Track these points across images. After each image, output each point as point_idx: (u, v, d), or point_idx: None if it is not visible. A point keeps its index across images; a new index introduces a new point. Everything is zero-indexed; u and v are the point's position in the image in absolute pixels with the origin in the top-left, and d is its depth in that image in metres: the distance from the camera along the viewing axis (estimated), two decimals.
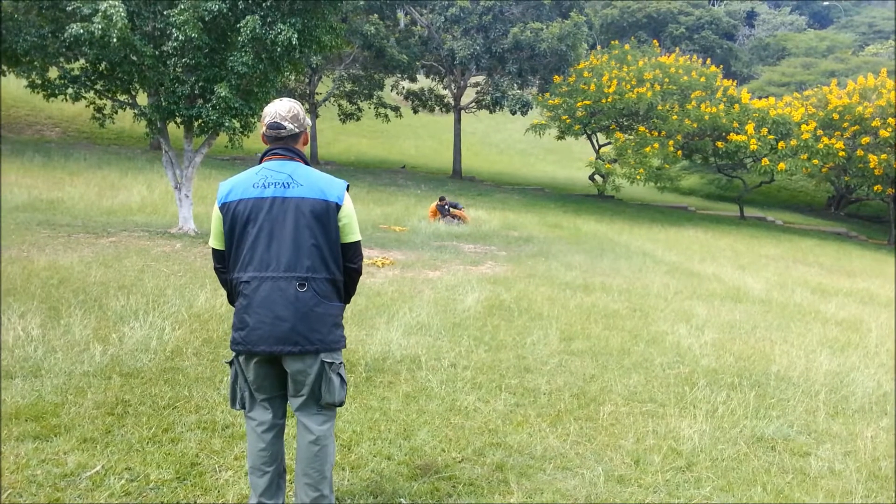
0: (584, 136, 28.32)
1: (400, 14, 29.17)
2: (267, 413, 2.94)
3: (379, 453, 3.78)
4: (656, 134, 24.90)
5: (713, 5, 51.08)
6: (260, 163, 2.95)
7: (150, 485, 3.24)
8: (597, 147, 29.19)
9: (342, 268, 2.94)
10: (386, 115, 30.31)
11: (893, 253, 23.12)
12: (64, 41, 10.56)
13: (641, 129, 25.37)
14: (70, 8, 10.44)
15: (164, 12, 10.78)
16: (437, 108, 32.34)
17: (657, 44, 32.41)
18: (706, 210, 29.06)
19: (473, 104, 31.19)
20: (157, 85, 11.41)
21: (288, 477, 3.26)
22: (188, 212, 11.80)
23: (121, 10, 9.73)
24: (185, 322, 5.78)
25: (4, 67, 11.67)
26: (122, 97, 12.09)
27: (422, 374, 5.13)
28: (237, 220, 2.84)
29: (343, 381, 2.93)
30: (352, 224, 2.92)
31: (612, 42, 31.09)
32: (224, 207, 2.87)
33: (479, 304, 7.66)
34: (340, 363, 2.94)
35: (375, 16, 25.29)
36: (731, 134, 24.06)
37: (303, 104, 28.71)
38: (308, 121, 3.02)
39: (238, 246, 2.86)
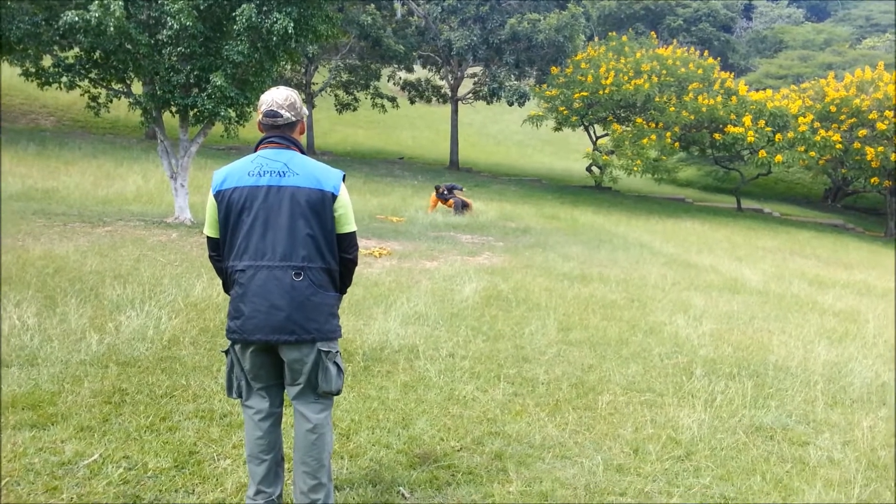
0: (582, 127, 28.26)
1: (397, 4, 29.03)
2: (264, 402, 2.92)
3: (377, 442, 3.77)
4: (653, 125, 24.86)
5: None
6: (255, 151, 2.92)
7: (147, 473, 3.22)
8: (594, 138, 29.14)
9: (338, 258, 2.92)
10: (382, 106, 30.21)
11: (891, 245, 23.17)
12: (58, 29, 10.47)
13: (639, 120, 25.32)
14: None
15: (159, 0, 10.69)
16: (434, 98, 32.25)
17: (655, 35, 32.28)
18: (703, 202, 29.07)
19: (470, 95, 31.09)
20: (152, 74, 11.33)
21: (287, 465, 3.25)
22: (184, 201, 11.75)
23: None
24: (181, 311, 5.75)
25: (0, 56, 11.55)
26: (117, 86, 12.01)
27: (420, 363, 5.11)
28: (232, 208, 2.82)
29: (340, 370, 2.92)
30: (347, 214, 2.90)
31: (610, 34, 30.99)
32: (219, 195, 2.84)
33: (476, 295, 7.64)
34: (337, 352, 2.92)
35: (372, 6, 25.17)
36: (729, 126, 24.02)
37: (299, 94, 28.64)
38: (305, 110, 2.99)
39: (233, 234, 2.84)
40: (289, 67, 24.62)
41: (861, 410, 5.01)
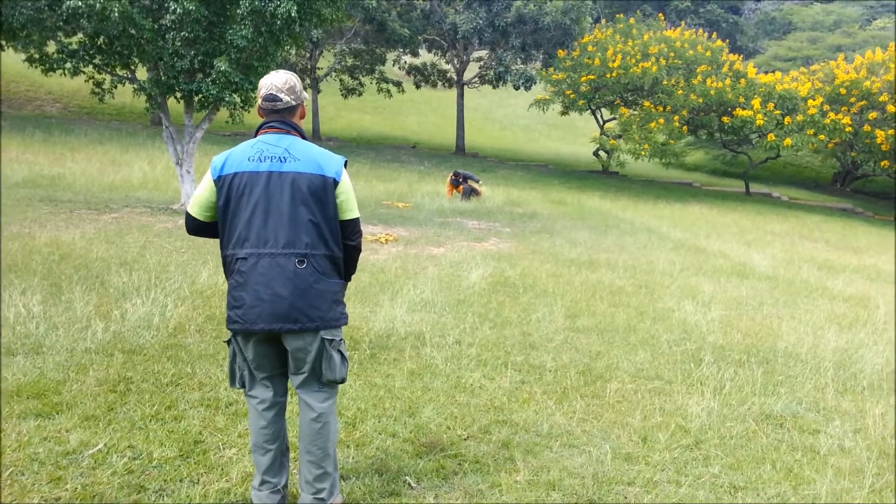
0: (589, 111, 28.06)
1: None
2: (268, 391, 2.89)
3: (384, 431, 3.74)
4: (661, 109, 24.65)
5: None
6: (256, 136, 2.86)
7: (152, 463, 3.20)
8: (601, 122, 28.95)
9: (341, 245, 2.87)
10: (388, 91, 30.06)
11: None
12: (61, 14, 10.40)
13: (646, 104, 25.11)
14: None
15: None
16: (439, 83, 32.08)
17: (662, 17, 31.93)
18: (711, 186, 28.89)
19: (476, 79, 30.90)
20: (156, 59, 11.27)
21: (292, 455, 3.22)
22: (190, 188, 11.72)
23: None
24: (187, 298, 5.73)
25: (3, 42, 11.48)
26: (121, 72, 11.95)
27: (426, 351, 5.08)
28: (232, 194, 2.76)
29: (344, 358, 2.88)
30: (349, 200, 2.84)
31: (617, 16, 30.68)
32: (220, 181, 2.79)
33: (483, 281, 7.60)
34: (341, 340, 2.88)
35: None
36: (737, 109, 23.79)
37: (304, 79, 28.62)
38: (305, 94, 2.93)
39: (233, 221, 2.78)
40: (293, 52, 24.45)
41: (872, 398, 4.95)
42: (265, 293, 2.71)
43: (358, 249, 2.94)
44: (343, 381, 2.88)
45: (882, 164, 24.42)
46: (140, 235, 8.66)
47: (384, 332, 5.42)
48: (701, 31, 29.22)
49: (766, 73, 26.85)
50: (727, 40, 29.34)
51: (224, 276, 2.92)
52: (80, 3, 9.86)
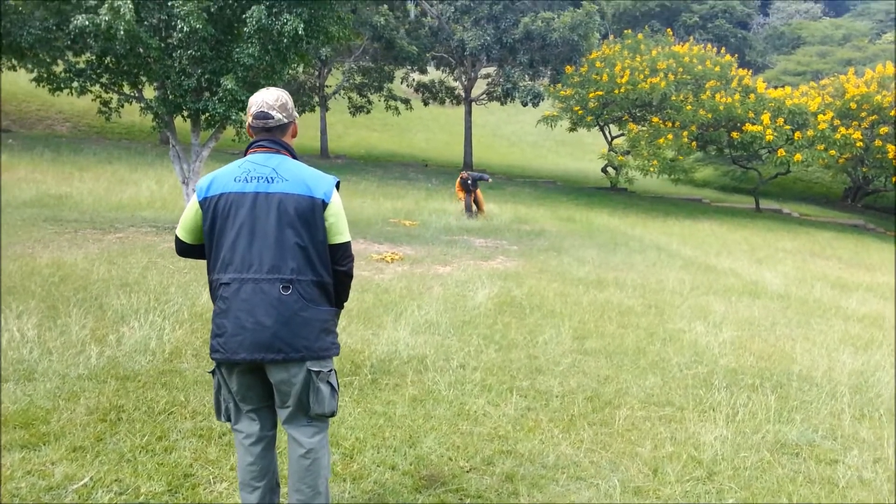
0: (597, 127, 27.95)
1: (409, 5, 28.90)
2: (254, 425, 2.75)
3: (383, 462, 3.60)
4: (670, 125, 24.51)
5: None
6: (245, 155, 2.75)
7: (139, 498, 3.07)
8: (609, 139, 28.84)
9: (331, 270, 2.74)
10: (396, 108, 30.10)
11: None
12: (69, 33, 10.42)
13: (655, 119, 24.98)
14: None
15: (169, 3, 10.61)
16: (447, 100, 32.10)
17: (671, 33, 31.88)
18: (721, 202, 28.67)
19: (484, 96, 30.90)
20: (163, 78, 11.27)
21: (284, 490, 3.09)
22: None
23: (128, 1, 9.56)
24: (185, 322, 5.62)
25: (13, 62, 11.51)
26: (129, 90, 11.96)
27: (429, 375, 4.94)
28: (217, 216, 2.65)
29: (334, 390, 2.73)
30: (339, 224, 2.71)
31: (626, 31, 30.66)
32: (205, 203, 2.67)
33: (489, 301, 7.47)
34: (330, 371, 2.73)
35: (385, 6, 25.05)
36: (747, 124, 23.62)
37: (312, 97, 28.72)
38: (296, 112, 2.83)
39: (218, 245, 2.66)
40: (301, 70, 24.55)
41: (890, 424, 4.77)
42: (247, 321, 2.58)
43: (349, 275, 2.80)
44: (333, 414, 2.74)
45: (893, 179, 24.15)
46: (143, 255, 8.59)
47: (386, 355, 5.29)
48: (710, 46, 29.11)
49: (775, 87, 26.70)
50: (736, 55, 29.26)
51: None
52: (87, 23, 9.87)
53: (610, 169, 27.39)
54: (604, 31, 32.69)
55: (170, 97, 11.27)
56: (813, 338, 7.20)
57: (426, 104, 32.64)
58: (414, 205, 17.51)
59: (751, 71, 28.92)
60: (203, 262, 2.81)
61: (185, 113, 11.63)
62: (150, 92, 12.35)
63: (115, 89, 11.87)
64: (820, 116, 23.50)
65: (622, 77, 24.62)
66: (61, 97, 13.04)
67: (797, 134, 23.28)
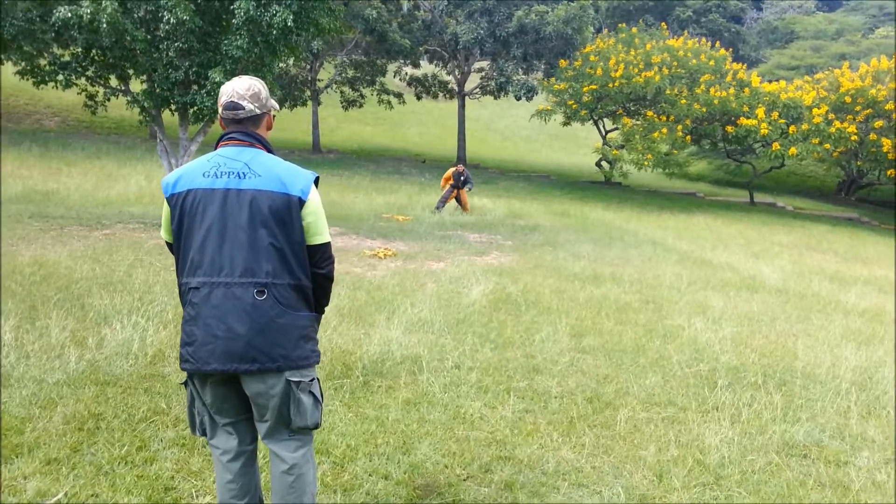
0: (591, 121, 27.81)
1: None
2: (231, 439, 2.55)
3: (375, 471, 3.42)
4: (664, 119, 24.38)
5: None
6: (215, 149, 2.54)
7: None
8: (603, 133, 28.69)
9: (310, 273, 2.54)
10: (389, 102, 29.85)
11: None
12: (53, 25, 10.18)
13: (649, 113, 24.84)
14: None
15: None
16: (440, 94, 31.87)
17: (665, 27, 31.73)
18: (715, 196, 28.58)
19: (478, 90, 30.69)
20: (149, 70, 11.03)
21: None
22: None
23: None
24: (170, 322, 5.42)
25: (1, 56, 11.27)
26: (115, 84, 11.72)
27: (423, 377, 4.77)
28: (185, 214, 2.44)
29: (317, 401, 2.53)
30: (318, 223, 2.50)
31: (620, 25, 30.49)
32: (172, 200, 2.47)
33: (484, 298, 7.30)
34: (312, 380, 2.52)
35: None
36: (741, 118, 23.51)
37: (304, 91, 28.43)
38: (273, 102, 2.61)
39: (186, 246, 2.45)
40: (291, 62, 24.28)
41: None
42: (219, 329, 2.37)
43: (329, 279, 2.60)
44: (317, 427, 2.54)
45: (889, 172, 24.10)
46: (129, 253, 8.38)
47: (379, 356, 5.11)
48: (704, 40, 28.98)
49: (769, 81, 26.59)
50: (730, 49, 29.13)
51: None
52: (69, 15, 9.64)
53: (604, 163, 27.27)
54: (598, 26, 32.50)
55: (157, 90, 11.04)
56: (814, 333, 7.06)
57: (419, 98, 32.41)
58: (407, 199, 17.31)
59: (745, 65, 28.81)
60: None
61: (173, 106, 11.41)
62: (137, 85, 12.10)
63: (102, 82, 11.63)
64: (815, 110, 23.42)
65: (616, 71, 24.47)
66: (49, 92, 12.82)
67: (792, 128, 23.20)
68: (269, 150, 2.54)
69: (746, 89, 24.60)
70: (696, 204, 25.19)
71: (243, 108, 2.49)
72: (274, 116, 2.66)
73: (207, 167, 2.46)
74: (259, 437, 2.58)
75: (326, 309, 2.77)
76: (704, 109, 23.75)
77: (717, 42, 30.16)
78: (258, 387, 2.43)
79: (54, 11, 9.85)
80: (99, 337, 4.90)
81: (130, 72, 11.50)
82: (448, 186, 15.77)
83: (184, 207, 2.44)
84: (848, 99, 23.85)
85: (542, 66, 28.62)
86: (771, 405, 4.72)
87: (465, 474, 3.49)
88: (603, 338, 6.19)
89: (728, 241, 15.45)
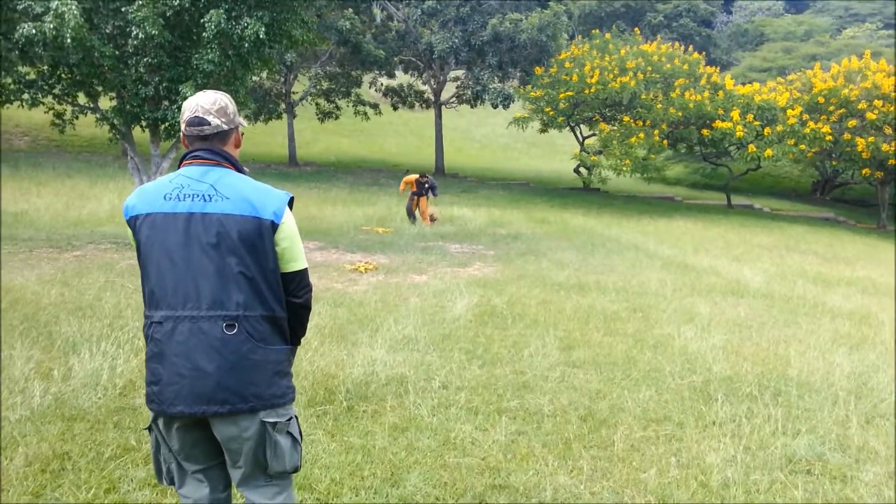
0: (568, 128, 27.81)
1: (375, 9, 28.49)
2: (202, 487, 2.32)
3: None
4: (641, 124, 24.42)
5: None
6: (178, 168, 2.32)
7: None
8: (581, 139, 28.70)
9: (284, 302, 2.32)
10: (365, 113, 29.66)
11: (886, 237, 22.86)
12: (16, 43, 9.87)
13: (626, 119, 24.88)
14: (21, 7, 9.75)
15: (123, 9, 10.11)
16: (417, 104, 31.73)
17: (638, 32, 31.89)
18: (693, 199, 28.69)
19: (454, 99, 30.61)
20: (119, 87, 10.75)
21: None
22: None
23: (73, 7, 9.05)
24: (141, 350, 5.16)
25: None
26: (83, 101, 11.42)
27: (410, 399, 4.57)
28: (142, 241, 2.23)
29: (296, 442, 2.31)
30: (293, 248, 2.28)
31: (593, 31, 30.59)
32: (132, 223, 2.26)
33: (469, 312, 7.12)
34: (290, 419, 2.31)
35: (350, 10, 24.62)
36: (717, 121, 23.62)
37: (279, 104, 28.15)
38: (240, 118, 2.40)
39: (146, 275, 2.23)
40: (264, 75, 24.02)
41: None
42: (184, 367, 2.14)
43: (306, 308, 2.38)
44: (296, 470, 2.32)
45: (863, 171, 24.32)
46: (100, 275, 8.09)
47: (363, 378, 4.90)
48: (677, 44, 29.15)
49: (742, 84, 26.77)
50: (702, 53, 29.35)
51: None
52: (33, 31, 9.35)
53: (582, 169, 27.25)
54: (571, 32, 32.61)
55: (127, 107, 10.77)
56: (804, 338, 6.96)
57: (395, 109, 32.25)
58: (386, 211, 17.11)
59: (717, 68, 29.01)
60: None
61: (144, 123, 11.14)
62: (106, 102, 11.80)
63: (69, 100, 11.32)
64: (789, 111, 23.58)
65: (592, 77, 24.48)
66: (17, 111, 12.45)
67: (767, 129, 23.33)
68: (239, 170, 2.32)
69: (721, 92, 24.73)
70: (674, 208, 25.25)
71: (209, 124, 2.28)
72: (242, 134, 2.45)
73: (169, 188, 2.24)
74: (233, 484, 2.36)
75: (307, 328, 2.56)
76: (680, 113, 23.83)
77: (690, 46, 30.36)
78: (230, 430, 2.20)
79: (17, 28, 9.55)
80: (66, 368, 4.64)
81: (99, 89, 11.21)
82: (410, 194, 15.41)
83: (142, 233, 2.22)
84: (821, 99, 24.06)
85: (518, 74, 28.60)
86: (769, 417, 4.59)
87: None
88: (592, 350, 6.04)
89: (709, 244, 15.42)
